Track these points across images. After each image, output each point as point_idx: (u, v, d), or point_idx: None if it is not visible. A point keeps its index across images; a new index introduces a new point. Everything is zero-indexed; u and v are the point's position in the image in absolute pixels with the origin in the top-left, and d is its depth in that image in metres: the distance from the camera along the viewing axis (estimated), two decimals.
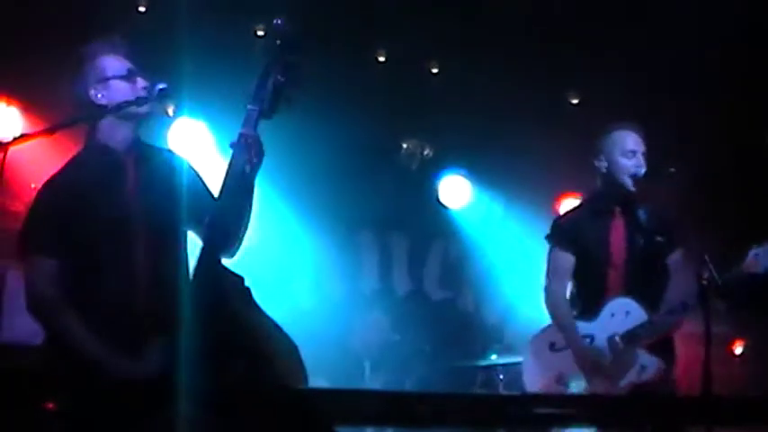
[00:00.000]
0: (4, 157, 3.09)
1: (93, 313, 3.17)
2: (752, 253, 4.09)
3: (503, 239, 7.51)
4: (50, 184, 3.32)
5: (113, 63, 3.34)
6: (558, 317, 4.44)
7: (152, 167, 3.33)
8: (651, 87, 6.43)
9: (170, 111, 6.49)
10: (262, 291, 3.18)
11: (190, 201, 3.25)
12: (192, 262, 3.09)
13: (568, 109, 7.28)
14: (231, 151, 3.13)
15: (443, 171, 7.60)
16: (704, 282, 3.99)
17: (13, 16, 5.85)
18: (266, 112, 3.17)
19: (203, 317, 2.88)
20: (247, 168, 3.11)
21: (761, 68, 6.28)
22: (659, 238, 4.27)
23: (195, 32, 6.06)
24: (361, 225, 7.61)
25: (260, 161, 3.15)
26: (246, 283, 3.08)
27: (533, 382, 4.45)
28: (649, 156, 4.39)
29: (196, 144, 6.45)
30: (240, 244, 3.29)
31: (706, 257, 4.01)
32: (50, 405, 2.13)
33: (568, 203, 7.09)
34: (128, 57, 3.37)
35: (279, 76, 3.17)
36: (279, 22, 3.23)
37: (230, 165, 3.11)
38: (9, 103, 6.16)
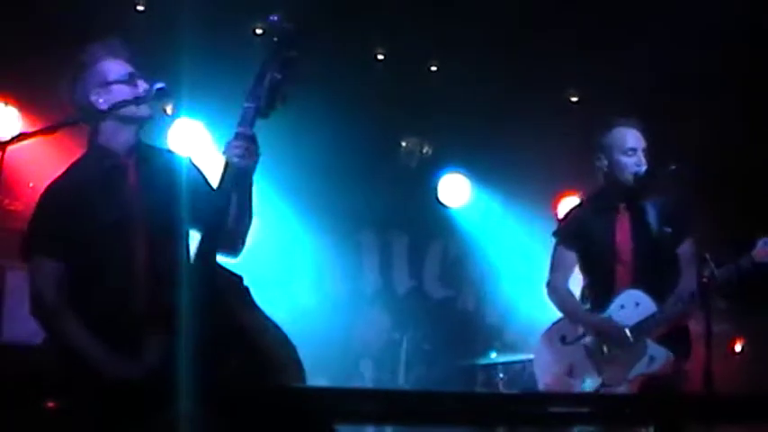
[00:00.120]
0: (3, 156, 3.10)
1: (92, 313, 3.19)
2: (761, 242, 4.11)
3: (502, 238, 7.50)
4: (53, 187, 3.34)
5: (115, 67, 3.34)
6: (564, 306, 4.50)
7: (153, 169, 3.34)
8: (651, 86, 6.43)
9: (168, 110, 6.48)
10: (262, 290, 3.19)
11: (191, 200, 3.25)
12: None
13: (568, 107, 7.28)
14: (228, 150, 3.13)
15: (443, 170, 7.60)
16: (704, 280, 4.01)
17: (12, 15, 5.84)
18: (263, 110, 3.16)
19: (197, 313, 2.89)
20: (243, 166, 3.11)
21: (761, 68, 6.28)
22: (667, 230, 4.29)
23: (193, 31, 6.06)
24: (360, 224, 7.60)
25: (256, 159, 3.15)
26: (246, 283, 3.10)
27: (544, 374, 4.50)
28: (650, 152, 4.40)
29: (194, 143, 6.44)
30: (243, 243, 3.30)
31: (707, 256, 4.03)
32: (51, 404, 2.12)
33: (568, 202, 7.10)
34: (129, 60, 3.38)
35: (275, 74, 3.17)
36: (275, 18, 3.24)
37: (227, 163, 3.12)
38: (7, 103, 6.15)
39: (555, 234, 4.63)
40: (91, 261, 3.22)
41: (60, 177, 3.36)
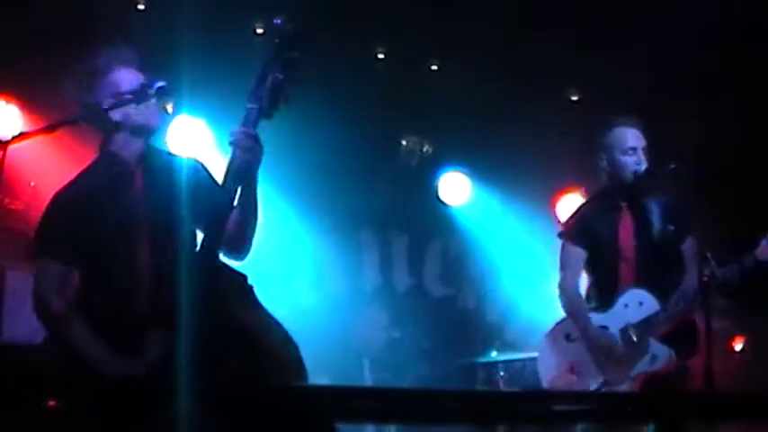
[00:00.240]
0: (4, 155, 3.11)
1: (97, 315, 3.24)
2: (764, 241, 4.12)
3: (502, 236, 7.51)
4: (62, 192, 3.38)
5: (127, 77, 3.38)
6: (571, 308, 4.53)
7: (161, 174, 3.38)
8: (650, 85, 6.43)
9: (169, 108, 6.48)
10: (263, 289, 3.20)
11: (200, 204, 3.27)
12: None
13: (568, 106, 7.28)
14: (230, 149, 3.15)
15: (443, 168, 7.60)
16: (705, 278, 4.02)
17: (13, 14, 5.84)
18: (266, 111, 3.18)
19: (198, 312, 2.92)
20: (246, 166, 3.13)
21: (760, 68, 6.27)
22: (670, 228, 4.31)
23: (194, 30, 6.06)
24: (360, 223, 7.61)
25: (259, 159, 3.17)
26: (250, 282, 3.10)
27: (548, 371, 4.53)
28: (650, 151, 4.41)
29: (195, 142, 6.44)
30: (249, 246, 3.34)
31: (708, 255, 4.04)
32: (51, 404, 2.13)
33: (568, 200, 7.11)
34: (140, 69, 3.42)
35: (278, 74, 3.18)
36: (278, 20, 3.25)
37: (229, 163, 3.13)
38: (8, 102, 6.15)
39: (561, 235, 4.64)
40: (97, 265, 3.27)
41: (70, 183, 3.41)
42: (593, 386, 4.37)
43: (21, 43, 5.94)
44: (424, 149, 7.59)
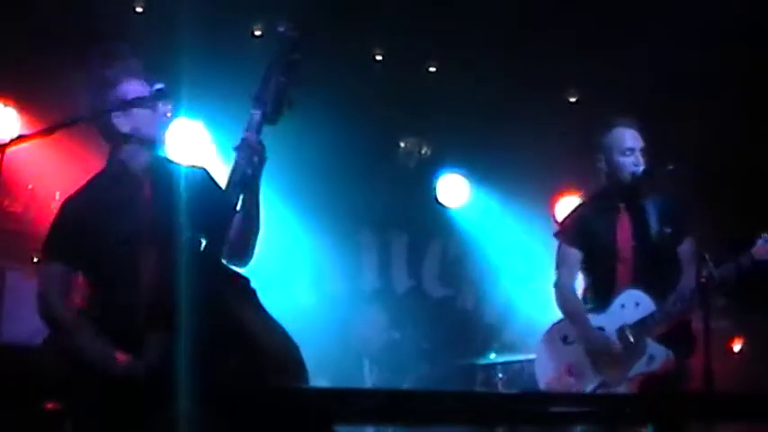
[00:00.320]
0: (2, 158, 3.12)
1: (101, 318, 3.30)
2: (760, 240, 4.13)
3: (501, 238, 7.51)
4: (71, 199, 3.47)
5: (136, 89, 3.43)
6: (568, 309, 4.52)
7: (167, 184, 3.43)
8: (649, 86, 6.43)
9: (167, 111, 6.47)
10: (262, 290, 3.23)
11: (205, 211, 3.29)
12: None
13: (566, 107, 7.28)
14: (234, 154, 3.19)
15: (441, 170, 7.60)
16: (703, 279, 4.02)
17: (11, 16, 5.84)
18: (269, 116, 3.22)
19: (199, 314, 2.96)
20: (249, 172, 3.17)
21: (760, 68, 6.28)
22: (667, 230, 4.32)
23: (192, 32, 6.06)
24: (360, 224, 7.60)
25: (262, 165, 3.22)
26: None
27: (545, 373, 4.53)
28: (648, 152, 4.41)
29: (194, 144, 6.44)
30: (252, 252, 3.38)
31: (706, 255, 4.04)
32: (50, 405, 2.13)
33: (566, 202, 7.11)
34: (148, 81, 3.47)
35: (281, 79, 3.22)
36: (282, 27, 3.30)
37: (233, 168, 3.18)
38: (6, 104, 6.15)
39: (557, 235, 4.64)
40: (103, 270, 3.34)
41: (78, 191, 3.49)
42: (590, 387, 4.37)
43: (19, 46, 5.94)
44: (423, 151, 7.59)
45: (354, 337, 6.67)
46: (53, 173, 6.08)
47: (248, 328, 3.05)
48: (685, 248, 4.37)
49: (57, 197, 5.98)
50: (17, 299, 5.58)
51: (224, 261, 3.23)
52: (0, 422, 2.12)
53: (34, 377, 2.25)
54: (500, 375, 6.30)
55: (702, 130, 6.32)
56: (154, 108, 3.43)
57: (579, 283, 4.66)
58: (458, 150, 7.53)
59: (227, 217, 3.16)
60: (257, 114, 3.20)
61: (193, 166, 3.61)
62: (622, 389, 4.28)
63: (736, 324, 6.73)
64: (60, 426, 2.16)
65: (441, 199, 7.62)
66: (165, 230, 3.33)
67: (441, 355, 6.82)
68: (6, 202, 5.91)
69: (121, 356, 3.19)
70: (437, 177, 7.60)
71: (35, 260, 5.68)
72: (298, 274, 7.11)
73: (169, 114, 3.61)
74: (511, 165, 7.34)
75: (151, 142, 3.48)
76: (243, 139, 3.19)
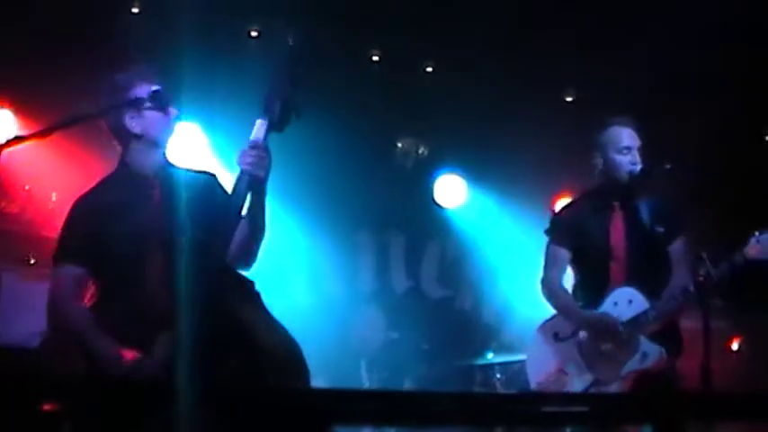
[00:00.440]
0: None
1: (109, 318, 3.34)
2: (753, 239, 4.12)
3: (499, 238, 7.51)
4: (81, 200, 3.51)
5: (148, 92, 3.47)
6: (559, 303, 4.49)
7: (177, 187, 3.49)
8: (647, 85, 6.43)
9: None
10: (260, 291, 3.23)
11: (212, 216, 3.34)
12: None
13: (564, 107, 7.28)
14: (240, 161, 3.27)
15: (439, 170, 7.61)
16: (701, 278, 4.02)
17: (7, 18, 5.83)
18: (276, 125, 3.30)
19: (204, 315, 3.03)
20: (256, 179, 3.27)
21: (759, 69, 6.28)
22: (659, 229, 4.31)
23: (188, 33, 6.05)
24: (357, 225, 7.61)
25: (268, 170, 3.31)
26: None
27: (537, 371, 4.50)
28: (645, 151, 4.41)
29: (190, 146, 6.43)
30: (255, 256, 3.47)
31: (703, 255, 4.04)
32: (48, 406, 2.13)
33: (564, 202, 7.10)
34: (160, 85, 3.53)
35: (288, 88, 3.29)
36: (290, 39, 3.37)
37: (240, 174, 3.26)
38: (2, 106, 6.14)
39: (548, 232, 4.62)
40: (112, 271, 3.39)
41: (89, 192, 3.53)
42: (583, 385, 4.34)
43: (15, 47, 5.93)
44: (420, 151, 7.59)
45: (353, 337, 6.67)
46: (50, 174, 6.08)
47: (251, 329, 3.10)
48: (676, 248, 4.36)
49: (53, 198, 5.98)
50: (13, 300, 5.57)
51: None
52: None
53: (31, 378, 2.25)
54: (498, 376, 6.30)
55: (701, 130, 6.32)
56: (165, 111, 3.49)
57: (569, 281, 4.63)
58: (455, 151, 7.53)
59: (233, 223, 3.24)
60: (264, 123, 3.28)
61: (202, 172, 3.68)
62: (615, 386, 4.26)
63: (733, 324, 6.73)
64: (58, 427, 2.15)
65: (438, 199, 7.62)
66: (172, 232, 3.38)
67: (439, 356, 6.82)
68: (3, 204, 5.90)
69: (129, 354, 3.24)
70: (435, 178, 7.61)
71: (32, 262, 5.68)
72: (296, 274, 7.10)
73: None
74: (508, 165, 7.35)
75: (160, 144, 3.53)
76: (249, 143, 3.27)
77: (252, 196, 3.30)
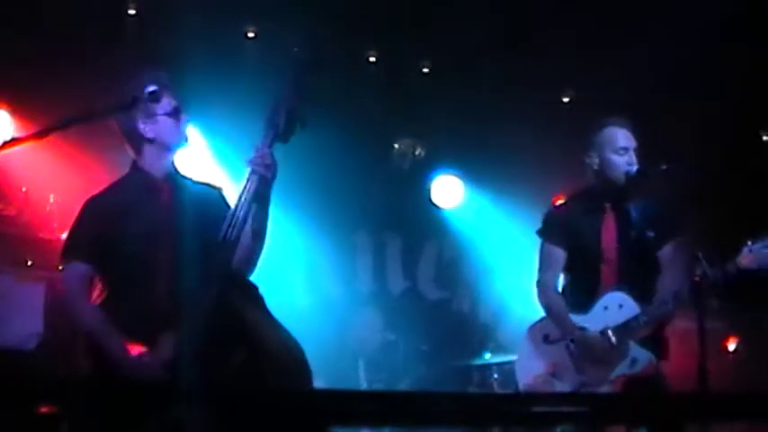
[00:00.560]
0: None
1: (116, 315, 3.41)
2: (745, 248, 4.09)
3: (496, 239, 7.51)
4: (93, 200, 3.60)
5: (162, 100, 3.57)
6: (550, 308, 4.46)
7: (184, 195, 3.60)
8: (644, 85, 6.44)
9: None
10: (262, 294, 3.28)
11: (214, 227, 3.41)
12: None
13: (560, 107, 7.28)
14: (247, 170, 3.38)
15: (436, 171, 7.61)
16: (697, 278, 4.00)
17: (4, 19, 5.83)
18: (282, 136, 3.40)
19: (206, 312, 3.15)
20: (261, 186, 3.37)
21: (759, 69, 6.28)
22: (650, 233, 4.28)
23: (185, 34, 6.05)
24: (354, 226, 7.61)
25: (273, 180, 3.41)
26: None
27: (526, 373, 4.47)
28: (641, 152, 4.39)
29: (188, 148, 6.41)
30: (255, 263, 3.55)
31: (699, 255, 4.03)
32: (45, 409, 2.13)
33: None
34: (174, 95, 3.64)
35: (294, 100, 3.40)
36: (296, 50, 3.50)
37: (246, 184, 3.37)
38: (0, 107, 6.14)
39: (540, 232, 4.59)
40: (120, 270, 3.47)
41: (102, 192, 3.63)
42: (571, 388, 4.30)
43: (12, 48, 5.92)
44: (417, 152, 7.59)
45: (350, 338, 6.67)
46: (47, 176, 6.07)
47: (256, 329, 3.18)
48: (666, 253, 4.32)
49: (51, 200, 5.97)
50: (10, 303, 5.56)
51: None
52: None
53: (28, 380, 2.25)
54: (495, 376, 6.30)
55: (698, 131, 6.33)
56: (177, 119, 3.59)
57: (560, 282, 4.60)
58: (452, 151, 7.53)
59: (240, 223, 3.33)
60: (270, 133, 3.38)
61: (208, 184, 3.79)
62: (604, 390, 4.23)
63: (730, 324, 6.74)
64: (56, 429, 2.15)
65: (435, 200, 7.62)
66: (179, 236, 3.47)
67: (436, 357, 6.82)
68: (0, 206, 5.89)
69: (137, 349, 3.32)
70: (431, 178, 7.61)
71: (29, 264, 5.68)
72: (293, 275, 7.10)
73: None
74: (506, 165, 7.35)
75: (172, 149, 3.63)
76: (255, 155, 3.36)
77: (257, 205, 3.39)
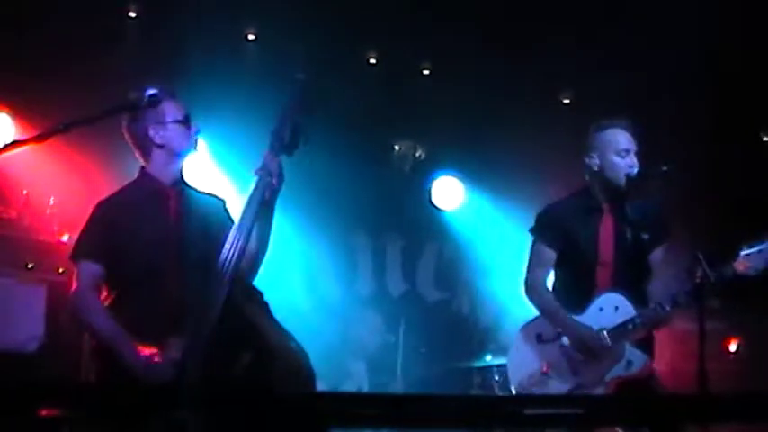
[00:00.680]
0: None
1: (123, 318, 3.45)
2: (742, 253, 4.08)
3: (496, 240, 7.50)
4: (104, 202, 3.66)
5: (172, 109, 3.67)
6: (541, 303, 4.41)
7: (191, 203, 3.69)
8: (643, 86, 6.44)
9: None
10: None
11: (218, 235, 3.49)
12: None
13: (560, 109, 7.29)
14: (254, 178, 3.44)
15: (436, 172, 7.61)
16: (697, 279, 3.99)
17: (4, 22, 5.83)
18: (286, 150, 3.49)
19: (214, 316, 3.22)
20: (267, 195, 3.44)
21: (758, 69, 6.28)
22: (644, 235, 4.27)
23: (186, 37, 6.06)
24: (354, 227, 7.61)
25: (279, 189, 3.49)
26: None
27: (518, 371, 4.43)
28: (641, 153, 4.38)
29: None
30: (257, 269, 3.62)
31: (699, 255, 4.01)
32: (46, 412, 2.13)
33: None
34: (183, 104, 3.73)
35: (297, 118, 3.50)
36: (301, 75, 3.59)
37: (252, 192, 3.43)
38: (0, 110, 6.14)
39: (533, 231, 4.55)
40: (128, 272, 3.52)
41: (112, 195, 3.69)
42: (565, 389, 4.28)
43: (11, 51, 5.93)
44: (417, 154, 7.60)
45: (350, 340, 6.67)
46: (48, 179, 6.08)
47: (262, 332, 3.24)
48: (657, 255, 4.31)
49: (51, 203, 5.98)
50: (11, 305, 5.56)
51: None
52: None
53: (29, 383, 2.25)
54: (496, 378, 6.28)
55: (698, 131, 6.33)
56: (187, 126, 3.67)
57: (549, 282, 4.57)
58: (452, 153, 7.54)
59: (248, 229, 3.40)
60: (275, 144, 3.47)
61: (214, 195, 3.85)
62: (599, 391, 4.18)
63: (730, 325, 6.73)
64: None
65: (435, 202, 7.63)
66: (187, 241, 3.56)
67: (437, 358, 6.82)
68: (1, 209, 5.90)
69: (147, 351, 3.35)
70: (432, 180, 7.62)
71: (29, 266, 5.68)
72: (293, 277, 7.10)
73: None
74: (506, 167, 7.35)
75: (180, 156, 3.70)
76: (263, 164, 3.44)
77: (262, 214, 3.46)
